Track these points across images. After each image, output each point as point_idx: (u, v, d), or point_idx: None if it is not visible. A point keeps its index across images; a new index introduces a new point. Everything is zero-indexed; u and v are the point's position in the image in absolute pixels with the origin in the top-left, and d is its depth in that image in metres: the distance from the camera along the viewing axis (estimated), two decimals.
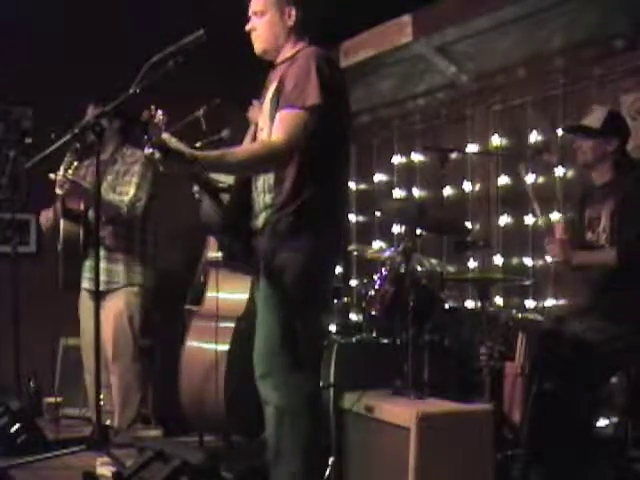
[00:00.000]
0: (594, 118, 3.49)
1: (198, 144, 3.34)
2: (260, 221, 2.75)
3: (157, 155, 2.40)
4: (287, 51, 2.81)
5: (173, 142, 2.43)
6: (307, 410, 2.66)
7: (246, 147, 2.77)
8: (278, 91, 2.69)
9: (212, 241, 4.29)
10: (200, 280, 4.65)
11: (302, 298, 2.66)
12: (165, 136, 2.42)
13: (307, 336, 2.68)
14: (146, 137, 2.40)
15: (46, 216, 4.18)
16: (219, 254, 3.92)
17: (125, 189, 4.08)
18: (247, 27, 2.85)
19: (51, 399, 4.82)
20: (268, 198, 2.72)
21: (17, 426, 3.86)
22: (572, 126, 3.73)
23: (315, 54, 2.68)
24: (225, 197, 2.80)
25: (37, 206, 4.32)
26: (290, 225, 2.64)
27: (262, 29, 2.81)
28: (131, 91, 2.93)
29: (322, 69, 2.62)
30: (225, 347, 4.15)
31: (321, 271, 2.72)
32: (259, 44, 2.83)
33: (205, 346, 4.23)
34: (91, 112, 4.04)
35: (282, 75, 2.71)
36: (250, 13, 2.84)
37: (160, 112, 2.44)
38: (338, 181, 2.79)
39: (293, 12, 2.79)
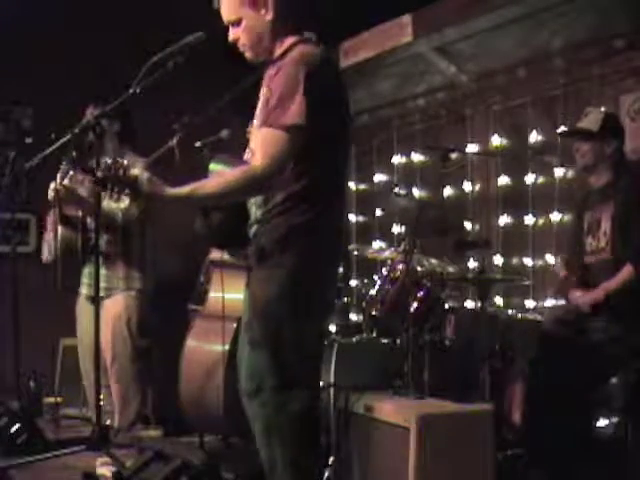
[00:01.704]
0: (591, 120, 3.48)
1: (198, 144, 3.34)
2: (251, 233, 2.66)
3: (127, 195, 2.38)
4: (277, 49, 2.60)
5: (144, 181, 2.37)
6: (296, 429, 2.55)
7: (220, 177, 2.56)
8: (265, 101, 2.52)
9: None
10: (202, 280, 4.65)
11: (286, 313, 2.53)
12: (135, 173, 2.37)
13: (297, 352, 2.55)
14: (110, 190, 2.37)
15: (47, 249, 4.18)
16: (221, 254, 3.93)
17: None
18: (230, 39, 2.64)
19: (51, 399, 4.83)
20: (259, 213, 2.61)
21: (17, 426, 3.86)
22: (570, 130, 3.73)
23: (304, 60, 2.45)
24: (215, 213, 2.73)
25: (37, 206, 4.32)
26: (276, 239, 2.53)
27: (245, 37, 2.60)
28: (131, 91, 2.93)
29: (311, 79, 2.40)
30: (225, 347, 4.14)
31: (306, 286, 2.55)
32: (247, 52, 2.64)
33: (205, 346, 4.23)
34: (91, 112, 4.03)
35: (269, 82, 2.52)
36: (226, 24, 2.63)
37: (120, 160, 2.38)
38: (331, 195, 2.63)
39: (269, 3, 2.56)
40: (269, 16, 2.56)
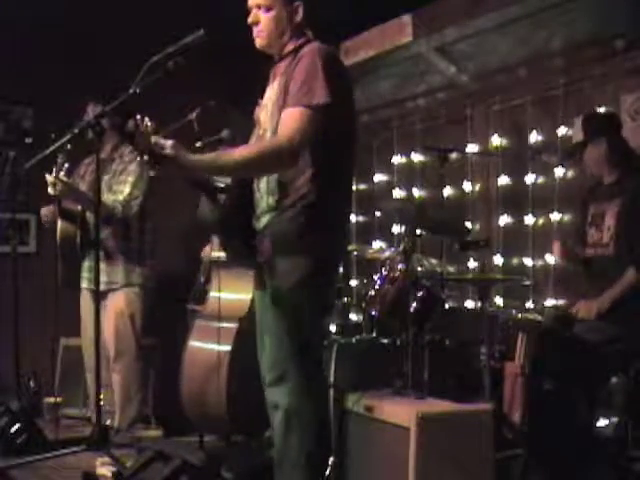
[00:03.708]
0: (576, 133, 3.62)
1: (198, 144, 3.34)
2: (263, 223, 2.68)
3: (147, 161, 2.41)
4: (289, 46, 2.71)
5: (161, 145, 2.40)
6: (316, 414, 2.65)
7: (247, 147, 2.65)
8: (283, 89, 2.59)
9: (216, 240, 4.28)
10: (201, 279, 4.64)
11: (309, 301, 2.61)
12: (156, 140, 2.40)
13: (315, 338, 2.66)
14: (132, 147, 2.41)
15: (46, 212, 4.18)
16: (222, 254, 3.92)
17: (120, 188, 4.08)
18: (249, 19, 2.70)
19: (51, 399, 4.82)
20: (272, 200, 2.64)
21: (17, 426, 3.86)
22: (567, 154, 3.84)
23: (321, 51, 2.58)
24: (222, 197, 2.77)
25: (37, 206, 4.33)
26: (295, 227, 2.58)
27: (267, 25, 2.67)
28: (131, 91, 2.93)
29: (329, 67, 2.54)
30: (228, 347, 4.14)
31: (326, 273, 2.66)
32: (262, 39, 2.71)
33: (208, 346, 4.23)
34: (91, 111, 4.04)
35: (286, 72, 2.61)
36: (251, 4, 2.69)
37: (147, 119, 2.41)
38: (344, 182, 2.76)
39: (300, 9, 2.69)
40: (297, 19, 2.70)
